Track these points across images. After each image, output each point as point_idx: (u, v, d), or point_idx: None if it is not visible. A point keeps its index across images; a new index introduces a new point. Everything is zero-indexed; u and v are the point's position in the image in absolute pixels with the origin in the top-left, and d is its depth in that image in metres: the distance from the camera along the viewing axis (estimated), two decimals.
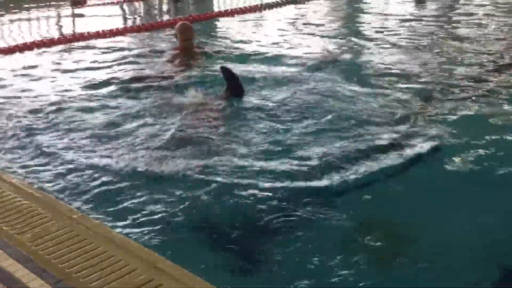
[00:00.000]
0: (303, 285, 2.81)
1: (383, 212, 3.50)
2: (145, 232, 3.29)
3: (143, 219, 3.43)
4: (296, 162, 4.12)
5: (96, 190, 3.81)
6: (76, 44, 8.33)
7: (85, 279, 2.59)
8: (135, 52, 7.84)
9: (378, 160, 4.10)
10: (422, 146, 4.32)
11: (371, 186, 3.78)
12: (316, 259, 2.99)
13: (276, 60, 7.11)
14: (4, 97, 5.85)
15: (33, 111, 5.38)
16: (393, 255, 3.05)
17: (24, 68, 7.03)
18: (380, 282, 2.84)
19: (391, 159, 4.11)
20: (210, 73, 6.39)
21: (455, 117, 4.95)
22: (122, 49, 8.03)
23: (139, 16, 11.70)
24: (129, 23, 10.67)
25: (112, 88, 6.06)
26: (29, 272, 2.64)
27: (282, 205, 3.57)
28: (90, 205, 3.60)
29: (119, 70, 6.81)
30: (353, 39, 8.19)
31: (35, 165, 4.19)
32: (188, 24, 7.60)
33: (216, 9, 11.86)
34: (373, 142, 4.43)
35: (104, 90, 6.00)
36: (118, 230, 3.22)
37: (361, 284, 2.80)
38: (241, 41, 8.36)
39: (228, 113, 5.24)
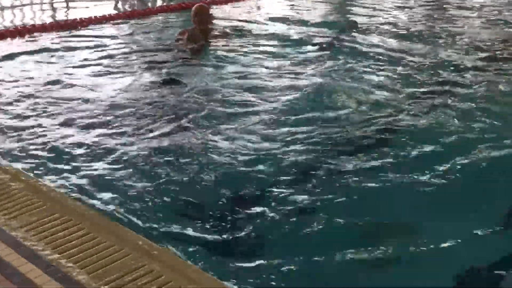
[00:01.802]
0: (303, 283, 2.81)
1: (386, 212, 3.45)
2: (140, 218, 3.27)
3: (135, 204, 3.42)
4: (299, 155, 4.08)
5: (88, 174, 3.80)
6: (74, 31, 8.22)
7: (77, 264, 2.57)
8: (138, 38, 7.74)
9: (379, 159, 4.04)
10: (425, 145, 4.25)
11: (374, 186, 3.71)
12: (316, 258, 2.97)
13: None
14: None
15: (31, 97, 5.32)
16: (396, 256, 3.02)
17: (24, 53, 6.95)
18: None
19: (392, 159, 4.05)
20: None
21: (458, 112, 4.88)
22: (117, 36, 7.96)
23: (131, 1, 11.56)
24: (127, 8, 10.55)
25: (119, 78, 5.97)
26: (20, 257, 2.62)
27: (285, 200, 3.53)
28: (84, 190, 3.58)
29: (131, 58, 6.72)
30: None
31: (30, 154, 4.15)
32: (205, 7, 7.37)
33: None
34: (372, 139, 4.38)
35: (109, 80, 5.92)
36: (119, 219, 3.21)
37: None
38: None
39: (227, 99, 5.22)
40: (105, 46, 7.28)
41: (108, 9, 9.85)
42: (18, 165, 3.87)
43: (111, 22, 8.76)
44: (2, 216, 2.97)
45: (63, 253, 2.66)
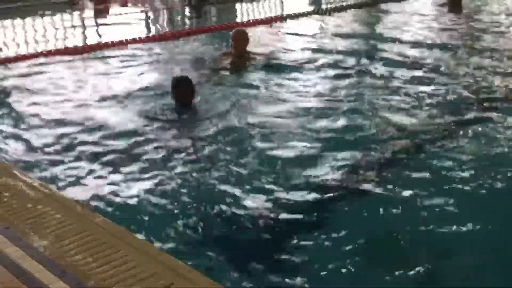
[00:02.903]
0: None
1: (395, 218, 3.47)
2: (156, 233, 3.32)
3: (152, 217, 3.48)
4: (310, 167, 4.17)
5: (106, 187, 3.88)
6: (102, 52, 8.40)
7: (106, 282, 2.59)
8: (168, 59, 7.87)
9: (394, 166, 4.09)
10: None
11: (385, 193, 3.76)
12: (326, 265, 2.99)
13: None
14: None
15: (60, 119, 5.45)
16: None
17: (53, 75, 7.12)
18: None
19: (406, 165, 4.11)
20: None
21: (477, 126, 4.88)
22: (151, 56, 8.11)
23: (162, 24, 11.80)
24: (157, 30, 10.75)
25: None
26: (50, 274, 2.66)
27: (296, 206, 3.63)
28: (100, 202, 3.65)
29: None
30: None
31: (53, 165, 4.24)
32: (243, 31, 7.69)
33: (239, 19, 11.87)
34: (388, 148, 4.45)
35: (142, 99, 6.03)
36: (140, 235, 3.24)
37: None
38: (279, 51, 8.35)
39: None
40: (132, 68, 7.45)
41: (137, 31, 10.08)
42: (32, 173, 3.95)
43: (141, 44, 8.94)
44: (33, 234, 3.01)
45: (92, 270, 2.68)
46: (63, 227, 3.08)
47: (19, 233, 3.02)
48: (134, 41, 9.05)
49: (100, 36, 10.22)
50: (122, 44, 8.84)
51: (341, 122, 5.12)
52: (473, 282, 2.88)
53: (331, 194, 3.84)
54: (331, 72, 6.92)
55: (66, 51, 8.42)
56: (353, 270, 2.95)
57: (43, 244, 2.91)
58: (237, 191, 3.83)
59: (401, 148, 4.59)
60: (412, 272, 2.92)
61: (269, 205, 3.68)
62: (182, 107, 5.38)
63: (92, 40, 9.67)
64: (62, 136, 4.92)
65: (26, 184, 3.63)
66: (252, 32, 8.53)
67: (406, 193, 3.76)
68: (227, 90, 6.14)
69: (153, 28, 11.43)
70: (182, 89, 5.38)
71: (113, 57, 8.11)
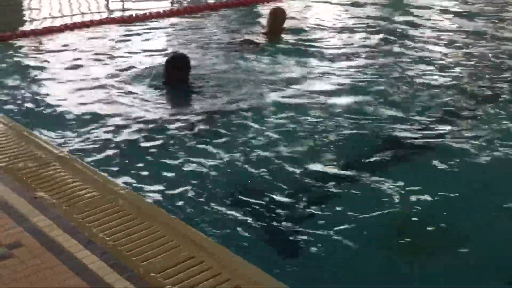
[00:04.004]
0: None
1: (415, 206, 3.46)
2: (188, 210, 3.36)
3: (187, 196, 3.51)
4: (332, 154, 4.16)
5: (142, 166, 3.91)
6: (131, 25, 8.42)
7: (130, 253, 2.66)
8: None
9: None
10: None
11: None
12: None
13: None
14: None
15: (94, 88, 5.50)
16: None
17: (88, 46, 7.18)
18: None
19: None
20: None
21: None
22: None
23: None
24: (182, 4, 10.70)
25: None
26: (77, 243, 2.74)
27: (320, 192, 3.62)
28: (134, 180, 3.69)
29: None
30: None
31: (86, 143, 4.31)
32: (282, 9, 7.64)
33: None
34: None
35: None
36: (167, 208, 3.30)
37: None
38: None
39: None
40: (160, 40, 7.47)
41: (164, 4, 10.05)
42: (74, 154, 4.01)
43: (169, 17, 8.93)
44: (60, 204, 3.09)
45: (117, 241, 2.75)
46: (90, 198, 3.15)
47: (47, 203, 3.10)
48: (158, 14, 9.04)
49: (124, 9, 10.21)
50: (146, 17, 8.84)
51: (366, 103, 5.09)
52: None
53: (353, 173, 3.87)
54: (362, 50, 6.86)
55: (91, 23, 8.45)
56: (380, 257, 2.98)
57: (70, 214, 2.99)
58: (258, 167, 3.88)
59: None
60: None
61: (291, 185, 3.69)
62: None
63: (116, 13, 9.67)
64: (87, 112, 4.97)
65: (54, 156, 3.71)
66: (285, 6, 8.46)
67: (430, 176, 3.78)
68: (258, 67, 6.13)
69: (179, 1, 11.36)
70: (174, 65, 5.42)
71: (137, 30, 8.12)
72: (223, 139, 4.35)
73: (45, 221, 2.91)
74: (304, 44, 7.14)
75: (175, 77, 5.43)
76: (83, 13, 9.62)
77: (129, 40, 7.46)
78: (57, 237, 2.78)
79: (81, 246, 2.69)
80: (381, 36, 7.58)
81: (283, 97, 5.28)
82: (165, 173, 3.78)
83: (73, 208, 3.05)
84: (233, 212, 3.34)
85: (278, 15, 7.44)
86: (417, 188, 3.60)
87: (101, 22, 8.51)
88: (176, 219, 3.02)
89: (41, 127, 4.50)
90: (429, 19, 8.68)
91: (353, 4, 9.74)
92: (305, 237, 3.13)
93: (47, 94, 5.40)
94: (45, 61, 6.57)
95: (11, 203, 3.09)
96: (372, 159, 4.08)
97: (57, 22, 8.61)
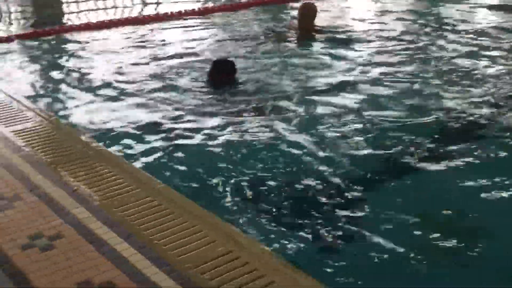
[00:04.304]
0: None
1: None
2: (225, 206, 3.38)
3: (223, 194, 3.54)
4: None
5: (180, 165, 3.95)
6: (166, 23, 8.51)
7: (167, 247, 2.70)
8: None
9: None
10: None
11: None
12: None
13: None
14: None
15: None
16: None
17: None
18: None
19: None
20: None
21: None
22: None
23: None
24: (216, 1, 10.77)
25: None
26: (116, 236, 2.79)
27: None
28: (172, 175, 3.74)
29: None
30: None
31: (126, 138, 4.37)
32: (312, 5, 7.59)
33: None
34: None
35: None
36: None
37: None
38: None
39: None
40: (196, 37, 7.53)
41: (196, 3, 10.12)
42: (113, 148, 4.09)
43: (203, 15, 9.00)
44: (99, 198, 3.15)
45: (154, 235, 2.79)
46: (127, 192, 3.21)
47: (86, 195, 3.17)
48: (193, 12, 9.11)
49: (158, 6, 10.32)
50: (180, 15, 8.92)
51: (400, 101, 5.06)
52: None
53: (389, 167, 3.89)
54: (395, 49, 6.78)
55: (127, 21, 8.57)
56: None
57: (109, 207, 3.05)
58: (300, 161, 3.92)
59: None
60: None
61: (333, 179, 3.70)
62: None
63: (151, 10, 9.78)
64: (128, 109, 5.04)
65: (94, 150, 3.79)
66: (318, 4, 8.43)
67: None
68: (289, 65, 6.14)
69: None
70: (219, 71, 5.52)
71: (172, 28, 8.20)
72: (264, 136, 4.36)
73: (84, 214, 2.98)
74: (335, 40, 7.11)
75: (220, 79, 5.48)
76: (125, 7, 9.80)
77: (166, 37, 7.56)
78: (97, 229, 2.83)
79: (120, 239, 2.74)
80: (420, 31, 7.50)
81: (319, 93, 5.28)
82: (201, 169, 3.82)
83: (112, 202, 3.11)
84: (270, 208, 3.36)
85: (307, 11, 7.39)
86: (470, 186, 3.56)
87: (137, 19, 8.65)
88: (212, 214, 3.04)
89: (82, 122, 4.60)
90: (473, 12, 8.54)
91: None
92: (345, 236, 3.12)
93: (89, 90, 5.50)
94: (88, 57, 6.71)
95: (52, 195, 3.16)
96: (427, 154, 4.04)
97: (98, 18, 8.79)
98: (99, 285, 2.44)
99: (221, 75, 5.50)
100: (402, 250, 2.97)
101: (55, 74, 6.02)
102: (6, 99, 4.70)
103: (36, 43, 7.38)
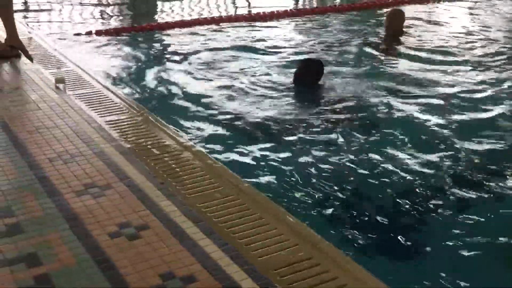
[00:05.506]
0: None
1: None
2: (311, 213, 3.37)
3: (309, 199, 3.52)
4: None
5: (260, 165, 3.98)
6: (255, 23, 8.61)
7: (248, 247, 2.71)
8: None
9: None
10: None
11: None
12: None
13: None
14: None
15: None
16: None
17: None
18: None
19: None
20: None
21: None
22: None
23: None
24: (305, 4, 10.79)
25: None
26: (199, 231, 2.83)
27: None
28: (257, 175, 3.76)
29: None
30: None
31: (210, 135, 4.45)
32: (400, 11, 7.54)
33: None
34: None
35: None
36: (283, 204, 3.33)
37: None
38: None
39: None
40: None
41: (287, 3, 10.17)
42: (198, 145, 4.18)
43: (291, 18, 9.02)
44: (184, 192, 3.22)
45: (236, 233, 2.82)
46: (212, 189, 3.26)
47: (172, 189, 3.25)
48: (285, 13, 9.15)
49: (249, 5, 10.44)
50: (272, 15, 8.98)
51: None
52: None
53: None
54: (482, 60, 6.51)
55: (220, 19, 8.73)
56: None
57: (193, 203, 3.11)
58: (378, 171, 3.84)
59: None
60: None
61: (411, 191, 3.62)
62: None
63: (243, 10, 9.91)
64: (216, 106, 5.13)
65: (182, 145, 3.88)
66: (406, 10, 8.25)
67: None
68: (377, 72, 6.04)
69: (301, 2, 11.44)
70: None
71: (260, 28, 8.27)
72: (347, 139, 4.32)
73: (170, 207, 3.05)
74: (422, 47, 6.92)
75: (307, 79, 5.50)
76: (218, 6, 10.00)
77: (256, 37, 7.64)
78: (182, 223, 2.90)
79: (203, 235, 2.79)
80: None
81: (406, 100, 5.15)
82: (287, 171, 3.82)
83: (196, 197, 3.17)
84: (357, 220, 3.31)
85: (395, 17, 7.30)
86: None
87: (229, 19, 8.80)
88: (296, 219, 3.02)
89: (172, 117, 4.74)
90: None
91: (481, 8, 9.28)
92: (422, 244, 3.06)
93: (179, 86, 5.66)
94: (181, 53, 6.90)
95: (141, 186, 3.27)
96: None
97: (191, 16, 9.04)
98: (181, 278, 2.49)
99: (310, 74, 5.48)
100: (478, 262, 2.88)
101: (151, 69, 6.23)
102: (103, 91, 4.91)
103: (137, 37, 7.68)
